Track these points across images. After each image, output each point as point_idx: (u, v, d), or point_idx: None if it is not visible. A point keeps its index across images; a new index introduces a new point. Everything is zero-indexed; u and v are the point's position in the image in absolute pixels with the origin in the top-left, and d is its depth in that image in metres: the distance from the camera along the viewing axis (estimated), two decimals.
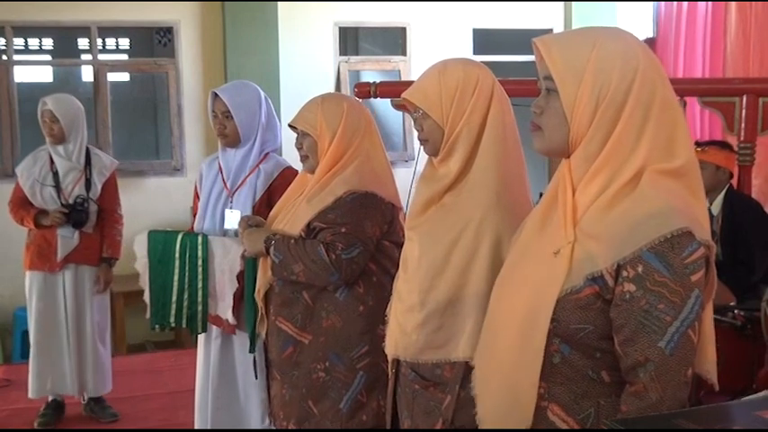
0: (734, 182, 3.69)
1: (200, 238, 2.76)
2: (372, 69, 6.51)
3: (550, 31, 6.47)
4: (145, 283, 2.84)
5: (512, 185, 1.75)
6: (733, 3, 5.26)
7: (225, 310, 2.72)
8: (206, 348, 2.88)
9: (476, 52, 6.41)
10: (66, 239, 3.69)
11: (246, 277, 2.62)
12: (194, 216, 3.01)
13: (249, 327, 2.64)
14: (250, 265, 2.59)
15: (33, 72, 7.31)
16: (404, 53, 6.44)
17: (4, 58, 5.73)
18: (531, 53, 1.38)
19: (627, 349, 1.23)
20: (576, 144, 1.30)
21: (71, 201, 3.69)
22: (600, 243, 1.25)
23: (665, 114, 1.28)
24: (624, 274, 1.22)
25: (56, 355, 3.76)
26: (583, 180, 1.30)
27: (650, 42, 5.92)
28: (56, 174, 3.71)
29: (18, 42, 6.81)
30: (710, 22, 5.49)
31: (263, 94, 2.93)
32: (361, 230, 2.22)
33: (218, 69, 5.87)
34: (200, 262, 2.74)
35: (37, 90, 5.36)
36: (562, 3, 6.68)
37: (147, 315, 2.87)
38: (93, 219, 3.74)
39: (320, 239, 2.23)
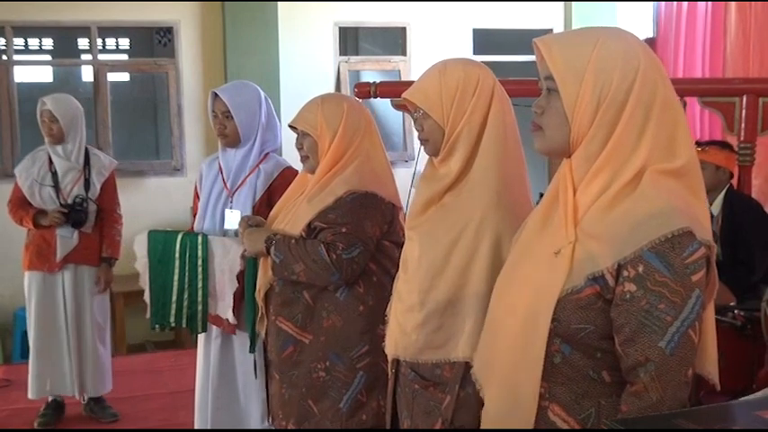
0: (734, 182, 3.69)
1: (200, 238, 2.76)
2: (372, 69, 6.51)
3: (550, 31, 6.48)
4: (145, 282, 2.84)
5: (512, 185, 1.75)
6: (733, 3, 5.26)
7: (225, 309, 2.72)
8: (206, 348, 2.88)
9: (476, 52, 6.41)
10: (66, 239, 3.69)
11: (246, 277, 2.63)
12: (194, 216, 3.01)
13: (249, 326, 2.64)
14: (250, 264, 2.59)
15: (33, 72, 7.31)
16: (404, 53, 6.44)
17: (4, 58, 5.73)
18: (532, 53, 1.38)
19: (627, 349, 1.23)
20: (576, 144, 1.30)
21: (70, 201, 3.69)
22: (601, 243, 1.25)
23: (666, 114, 1.28)
24: (625, 273, 1.22)
25: (55, 355, 3.76)
26: (584, 180, 1.30)
27: (650, 42, 5.92)
28: (55, 174, 3.71)
29: (18, 42, 6.81)
30: (710, 22, 5.49)
31: (263, 94, 2.93)
32: (361, 230, 2.22)
33: (218, 69, 5.87)
34: (200, 262, 2.75)
35: (37, 90, 5.36)
36: (562, 3, 6.68)
37: (147, 315, 2.87)
38: (92, 219, 3.74)
39: (321, 239, 2.23)
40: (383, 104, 4.07)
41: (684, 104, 3.80)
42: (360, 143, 2.30)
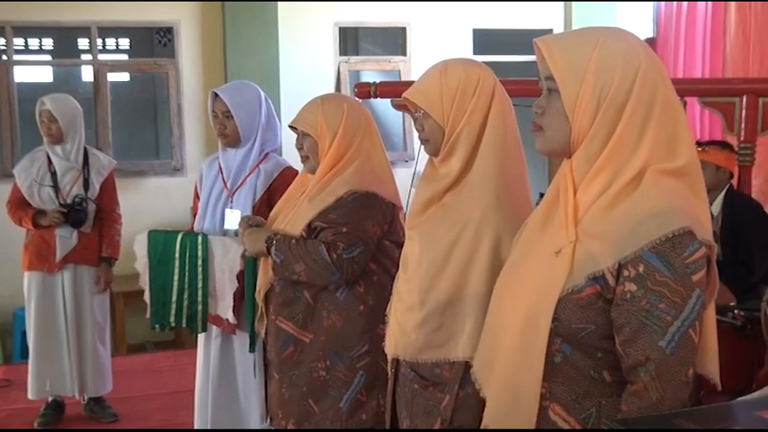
0: (734, 182, 3.69)
1: (200, 238, 2.76)
2: (372, 69, 6.51)
3: (550, 31, 6.48)
4: (145, 282, 2.84)
5: (512, 186, 1.75)
6: (733, 3, 5.26)
7: (225, 309, 2.72)
8: (206, 348, 2.89)
9: (476, 52, 6.41)
10: (65, 239, 3.69)
11: (246, 277, 2.63)
12: (194, 216, 3.01)
13: (249, 326, 2.64)
14: (250, 264, 2.59)
15: (33, 72, 7.31)
16: (404, 53, 6.44)
17: (4, 58, 5.73)
18: (532, 53, 1.38)
19: (628, 349, 1.24)
20: (577, 144, 1.30)
21: (69, 201, 3.69)
22: (601, 242, 1.25)
23: (667, 114, 1.28)
24: (625, 273, 1.22)
25: (55, 356, 3.76)
26: (584, 180, 1.30)
27: (650, 42, 5.91)
28: (54, 174, 3.71)
29: (18, 42, 6.81)
30: (710, 22, 5.49)
31: (263, 94, 2.93)
32: (362, 230, 2.22)
33: (218, 69, 5.87)
34: (200, 262, 2.75)
35: (37, 90, 5.35)
36: (562, 3, 6.69)
37: (147, 315, 2.87)
38: (91, 218, 3.74)
39: (321, 239, 2.24)
40: (383, 104, 4.07)
41: (684, 104, 3.80)
42: (360, 143, 2.30)
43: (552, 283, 1.28)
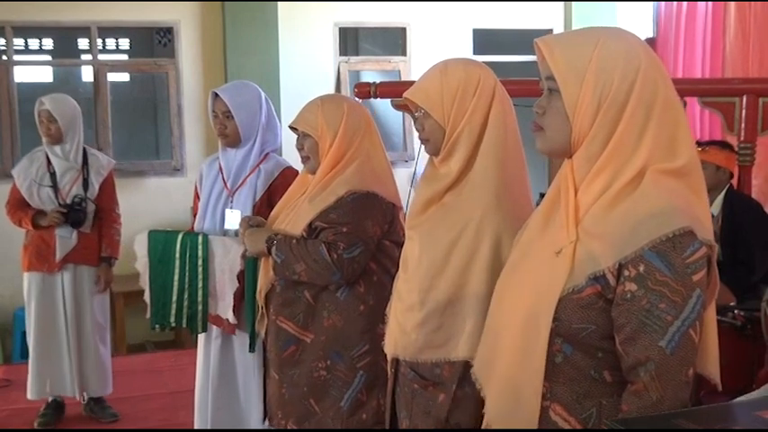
0: (734, 182, 3.69)
1: (200, 238, 2.76)
2: (372, 69, 6.51)
3: (550, 31, 6.48)
4: (145, 282, 2.84)
5: (512, 186, 1.75)
6: (732, 3, 5.27)
7: (225, 309, 2.72)
8: (206, 348, 2.89)
9: (476, 52, 6.41)
10: (65, 240, 3.69)
11: (247, 277, 2.63)
12: (194, 216, 3.01)
13: (249, 326, 2.64)
14: (250, 264, 2.59)
15: (33, 72, 7.31)
16: (404, 53, 6.44)
17: (4, 58, 5.73)
18: (532, 53, 1.38)
19: (628, 348, 1.24)
20: (578, 144, 1.30)
21: (69, 201, 3.69)
22: (602, 242, 1.25)
23: (667, 114, 1.28)
24: (626, 273, 1.22)
25: (55, 356, 3.75)
26: (585, 180, 1.30)
27: (650, 42, 5.90)
28: (53, 174, 3.71)
29: (18, 42, 6.81)
30: (710, 22, 5.49)
31: (263, 94, 2.93)
32: (362, 230, 2.23)
33: (218, 69, 5.87)
34: (200, 261, 2.75)
35: (37, 90, 5.36)
36: (562, 3, 6.69)
37: (147, 315, 2.87)
38: (90, 218, 3.74)
39: (322, 239, 2.24)
40: (383, 104, 4.08)
41: (684, 104, 3.80)
42: (360, 143, 2.31)
43: (553, 282, 1.28)
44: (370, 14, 6.31)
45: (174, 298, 2.79)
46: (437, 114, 1.77)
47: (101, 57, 6.08)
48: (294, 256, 2.26)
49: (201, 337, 2.90)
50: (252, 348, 2.67)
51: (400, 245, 1.99)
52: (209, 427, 2.87)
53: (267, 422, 2.52)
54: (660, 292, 1.20)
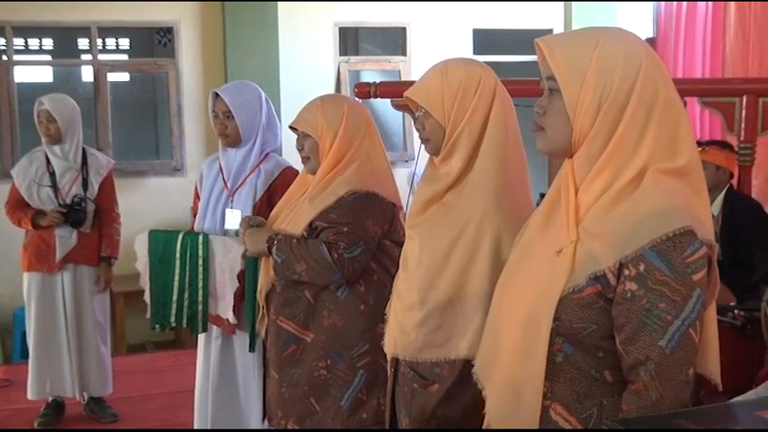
0: (734, 182, 3.69)
1: (200, 238, 2.76)
2: (372, 69, 6.51)
3: (550, 31, 6.48)
4: (145, 282, 2.84)
5: (513, 186, 1.75)
6: (732, 3, 5.27)
7: (225, 309, 2.72)
8: (206, 348, 2.89)
9: (476, 52, 6.41)
10: (65, 239, 3.69)
11: (247, 277, 2.63)
12: (194, 216, 3.01)
13: (249, 326, 2.64)
14: (251, 264, 2.59)
15: (33, 72, 7.31)
16: (404, 53, 6.44)
17: (4, 58, 5.73)
18: (532, 53, 1.38)
19: (628, 348, 1.24)
20: (578, 144, 1.30)
21: (68, 200, 3.69)
22: (602, 242, 1.25)
23: (668, 114, 1.28)
24: (626, 272, 1.22)
25: (55, 356, 3.75)
26: (585, 179, 1.30)
27: (650, 42, 5.89)
28: (53, 174, 3.71)
29: (18, 42, 6.81)
30: (710, 22, 5.49)
31: (263, 94, 2.93)
32: (362, 229, 2.23)
33: (218, 69, 5.87)
34: (200, 261, 2.75)
35: (37, 90, 5.36)
36: (562, 3, 6.69)
37: (148, 315, 2.87)
38: (90, 218, 3.74)
39: (322, 239, 2.25)
40: (383, 104, 4.07)
41: (684, 104, 3.80)
42: (360, 144, 2.31)
43: (553, 282, 1.28)
44: (370, 14, 6.31)
45: (175, 298, 2.79)
46: (437, 114, 1.77)
47: (101, 57, 6.08)
48: (295, 256, 2.26)
49: (201, 337, 2.90)
50: (252, 348, 2.67)
51: (400, 244, 2.00)
52: (209, 427, 2.87)
53: (267, 422, 2.52)
54: (660, 291, 1.20)
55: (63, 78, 7.46)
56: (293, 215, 2.37)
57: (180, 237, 2.78)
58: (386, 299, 2.01)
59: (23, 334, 4.15)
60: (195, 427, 2.95)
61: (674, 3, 5.87)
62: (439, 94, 1.76)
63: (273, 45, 5.86)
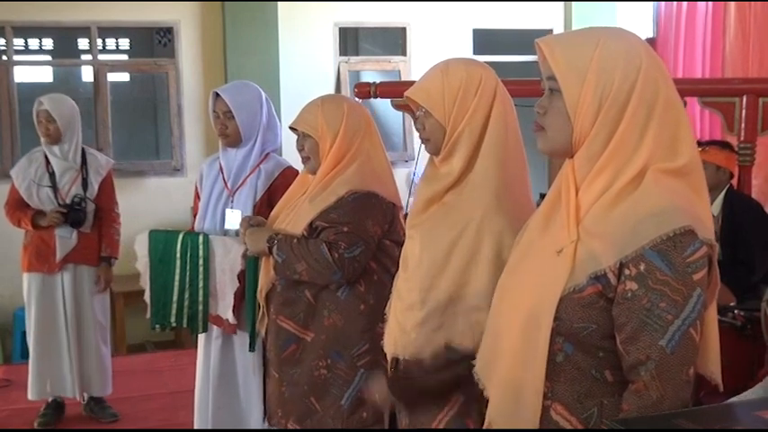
0: (734, 182, 3.69)
1: (201, 238, 2.76)
2: (372, 69, 6.51)
3: (550, 31, 6.48)
4: (145, 282, 2.84)
5: (513, 186, 1.75)
6: (732, 3, 5.27)
7: (225, 309, 2.72)
8: (206, 348, 2.89)
9: (476, 52, 6.41)
10: (65, 240, 3.69)
11: (248, 277, 2.63)
12: (194, 216, 3.01)
13: (249, 326, 2.64)
14: (251, 264, 2.59)
15: (33, 72, 7.31)
16: (404, 53, 6.44)
17: (4, 58, 5.73)
18: (532, 53, 1.38)
19: (628, 347, 1.24)
20: (579, 144, 1.31)
21: (68, 201, 3.69)
22: (603, 242, 1.25)
23: (669, 113, 1.28)
24: (626, 272, 1.22)
25: (55, 357, 3.75)
26: (586, 179, 1.30)
27: (650, 42, 5.89)
28: (52, 174, 3.71)
29: (18, 42, 6.81)
30: (710, 22, 5.49)
31: (263, 94, 2.93)
32: (363, 229, 2.23)
33: (218, 69, 5.87)
34: (201, 261, 2.75)
35: (37, 90, 5.35)
36: (562, 3, 6.69)
37: (148, 315, 2.87)
38: (90, 218, 3.74)
39: (323, 238, 2.25)
40: (383, 104, 4.08)
41: (684, 104, 3.80)
42: (360, 144, 2.31)
43: (554, 282, 1.28)
44: (370, 14, 6.31)
45: (175, 298, 2.79)
46: (438, 114, 1.77)
47: (101, 57, 6.08)
48: (295, 256, 2.26)
49: (202, 337, 2.90)
50: (252, 348, 2.67)
51: (400, 244, 2.00)
52: (209, 427, 2.87)
53: (267, 421, 2.53)
54: (661, 291, 1.20)
55: (63, 78, 7.46)
56: (293, 215, 2.37)
57: (180, 237, 2.79)
58: (386, 299, 2.01)
59: (23, 334, 4.15)
60: (195, 427, 2.95)
61: (674, 3, 5.87)
62: (439, 94, 1.76)
63: (273, 45, 5.86)
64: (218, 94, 2.85)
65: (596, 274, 1.25)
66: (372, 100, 3.75)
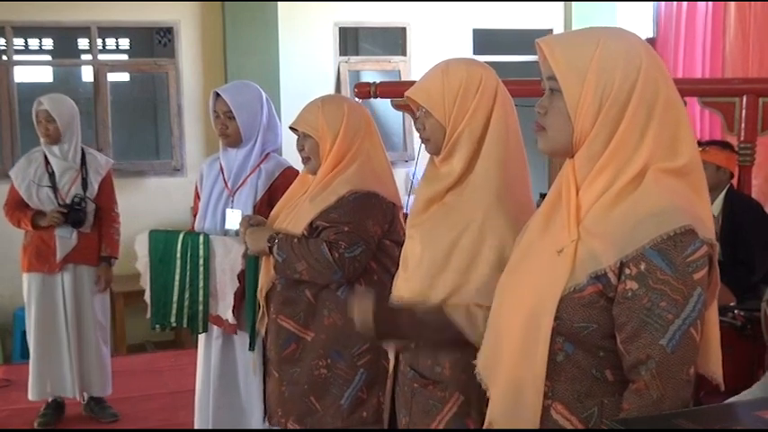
0: (734, 182, 3.69)
1: (201, 238, 2.76)
2: (372, 69, 6.51)
3: (550, 31, 6.48)
4: (146, 282, 2.84)
5: (514, 186, 1.75)
6: (732, 3, 5.27)
7: (225, 309, 2.72)
8: (207, 348, 2.89)
9: (476, 52, 6.41)
10: (65, 240, 3.69)
11: (248, 277, 2.63)
12: (194, 216, 3.01)
13: (249, 326, 2.64)
14: (251, 264, 2.59)
15: (33, 72, 7.31)
16: (404, 53, 6.44)
17: (4, 58, 5.73)
18: (532, 53, 1.38)
19: (629, 347, 1.24)
20: (579, 144, 1.31)
21: (68, 201, 3.69)
22: (603, 241, 1.25)
23: (669, 113, 1.28)
24: (627, 271, 1.22)
25: (55, 357, 3.76)
26: (586, 179, 1.30)
27: (650, 42, 5.89)
28: (52, 174, 3.71)
29: (18, 42, 6.81)
30: (710, 23, 5.49)
31: (264, 94, 2.93)
32: (363, 229, 2.24)
33: (218, 69, 5.87)
34: (201, 261, 2.75)
35: (37, 90, 5.35)
36: (562, 3, 6.69)
37: (148, 315, 2.87)
38: (90, 218, 3.74)
39: (323, 238, 2.25)
40: (383, 104, 4.08)
41: (684, 104, 3.80)
42: (361, 144, 2.32)
43: (554, 281, 1.28)
44: (370, 14, 6.31)
45: (175, 298, 2.79)
46: (438, 114, 1.77)
47: (101, 57, 6.08)
48: (295, 255, 2.27)
49: (202, 337, 2.90)
50: (252, 347, 2.67)
51: (400, 244, 2.00)
52: (209, 427, 2.87)
53: (267, 420, 2.53)
54: (661, 290, 1.20)
55: (63, 78, 7.46)
56: (294, 214, 2.37)
57: (180, 237, 2.79)
58: (386, 298, 2.01)
59: (23, 334, 4.15)
60: (196, 426, 2.95)
61: (674, 3, 5.87)
62: (440, 94, 1.76)
63: (273, 45, 5.87)
64: (218, 94, 2.85)
65: (597, 274, 1.25)
66: (372, 100, 3.75)
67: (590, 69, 1.27)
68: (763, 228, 3.54)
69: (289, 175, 2.78)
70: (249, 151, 2.87)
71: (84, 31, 5.95)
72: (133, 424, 3.92)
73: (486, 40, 6.54)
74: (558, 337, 1.29)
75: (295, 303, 2.34)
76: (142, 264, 2.84)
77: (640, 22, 6.34)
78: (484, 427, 1.46)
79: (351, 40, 7.17)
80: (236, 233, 2.65)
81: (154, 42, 6.62)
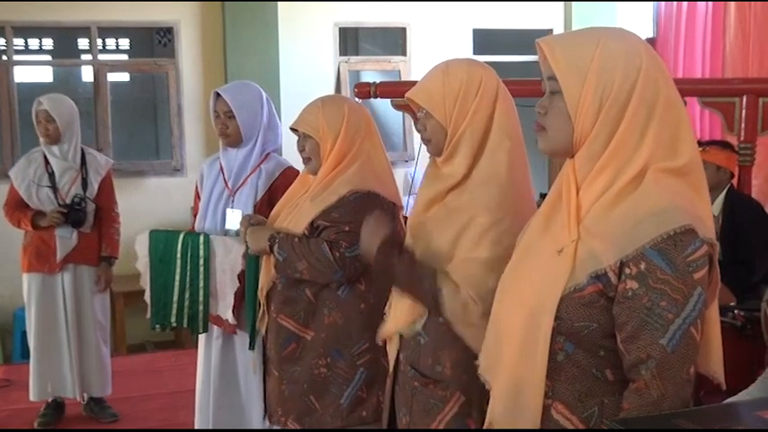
0: (734, 182, 3.69)
1: (201, 238, 2.76)
2: (372, 69, 6.51)
3: (550, 31, 6.49)
4: (146, 282, 2.84)
5: (515, 187, 1.76)
6: (732, 3, 5.27)
7: (225, 309, 2.72)
8: (207, 348, 2.89)
9: (476, 52, 6.42)
10: (65, 240, 3.68)
11: (248, 277, 2.63)
12: (195, 216, 3.01)
13: (249, 326, 2.64)
14: (251, 264, 2.60)
15: (33, 72, 7.31)
16: (404, 53, 6.44)
17: (4, 58, 5.73)
18: (532, 53, 1.38)
19: (629, 346, 1.24)
20: (580, 144, 1.31)
21: (68, 201, 3.69)
22: (603, 241, 1.25)
23: (669, 113, 1.28)
24: (627, 271, 1.22)
25: (56, 357, 3.75)
26: (587, 179, 1.30)
27: (650, 42, 5.89)
28: (52, 174, 3.71)
29: (18, 42, 6.81)
30: (710, 23, 5.49)
31: (264, 94, 2.93)
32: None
33: (218, 69, 5.87)
34: (201, 261, 2.75)
35: (37, 90, 5.35)
36: (562, 3, 6.69)
37: (148, 315, 2.87)
38: (91, 218, 3.74)
39: (324, 237, 2.26)
40: (383, 104, 4.08)
41: (684, 104, 3.80)
42: (361, 144, 2.32)
43: (554, 281, 1.28)
44: (370, 14, 6.31)
45: (175, 298, 2.79)
46: (439, 115, 1.77)
47: (101, 57, 6.08)
48: (296, 255, 2.27)
49: (202, 337, 2.90)
50: (252, 346, 2.67)
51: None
52: (209, 427, 2.87)
53: (267, 420, 2.53)
54: (661, 290, 1.20)
55: (63, 78, 7.46)
56: (294, 214, 2.38)
57: (181, 237, 2.79)
58: (386, 298, 2.01)
59: (23, 334, 4.15)
60: (196, 426, 2.95)
61: (674, 3, 5.88)
62: (440, 95, 1.76)
63: (273, 45, 5.87)
64: (218, 94, 2.85)
65: (597, 274, 1.25)
66: (372, 100, 3.75)
67: (590, 69, 1.27)
68: (763, 228, 3.54)
69: (289, 175, 2.78)
70: (249, 151, 2.87)
71: (84, 31, 5.95)
72: (133, 424, 3.92)
73: (486, 40, 6.54)
74: (558, 336, 1.29)
75: (295, 302, 2.34)
76: (142, 264, 2.84)
77: (640, 22, 6.34)
78: (484, 427, 1.46)
79: (351, 40, 7.17)
80: (237, 233, 2.65)
81: (154, 42, 6.62)
